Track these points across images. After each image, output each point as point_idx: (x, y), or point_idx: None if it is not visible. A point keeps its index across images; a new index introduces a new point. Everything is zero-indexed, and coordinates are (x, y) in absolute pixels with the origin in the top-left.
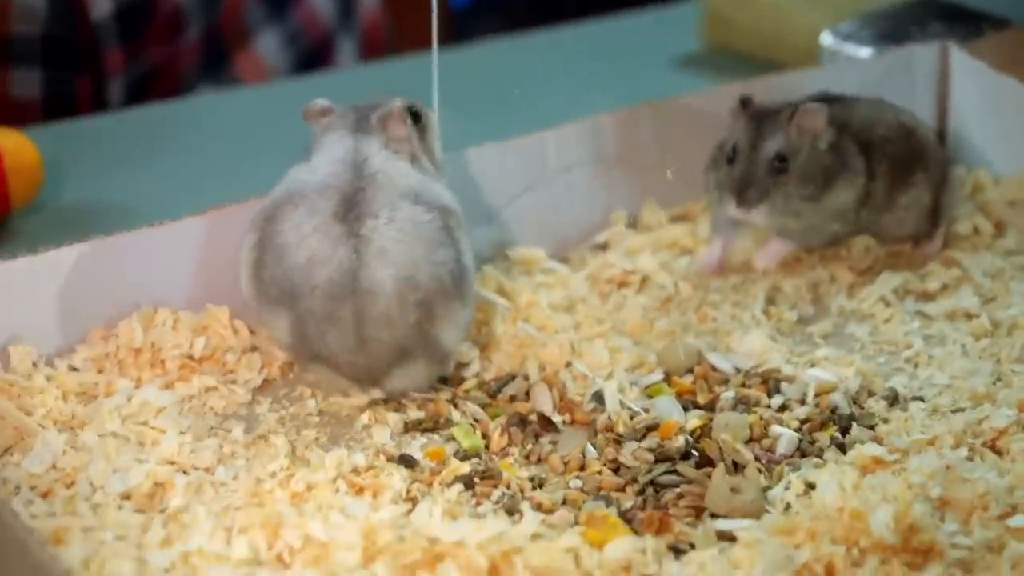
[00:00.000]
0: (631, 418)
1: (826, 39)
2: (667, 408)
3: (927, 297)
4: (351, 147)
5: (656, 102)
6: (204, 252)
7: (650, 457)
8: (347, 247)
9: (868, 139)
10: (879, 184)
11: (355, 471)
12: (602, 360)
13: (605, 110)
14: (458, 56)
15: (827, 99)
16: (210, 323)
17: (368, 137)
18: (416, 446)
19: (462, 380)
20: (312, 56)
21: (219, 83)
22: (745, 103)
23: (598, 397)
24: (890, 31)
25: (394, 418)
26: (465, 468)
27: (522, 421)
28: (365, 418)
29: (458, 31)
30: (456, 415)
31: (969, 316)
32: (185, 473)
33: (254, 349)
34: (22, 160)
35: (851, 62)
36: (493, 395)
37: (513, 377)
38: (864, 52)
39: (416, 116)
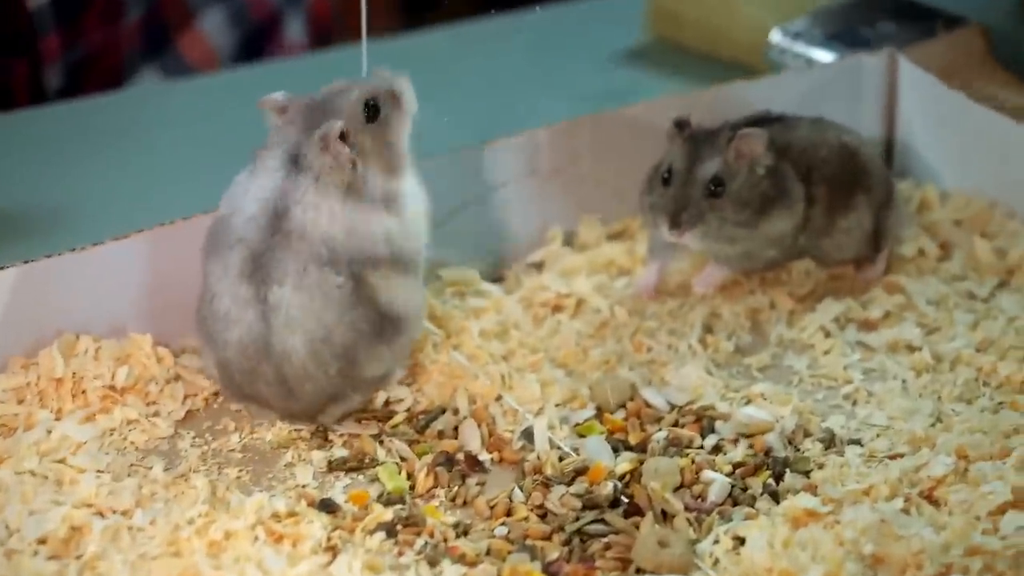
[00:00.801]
0: (560, 459)
1: (775, 36)
2: (597, 450)
3: (869, 326)
4: (278, 185)
5: (595, 115)
6: (128, 277)
7: (578, 504)
8: (255, 311)
9: (808, 162)
10: (818, 208)
11: (275, 516)
12: (534, 393)
13: (544, 111)
14: (395, 46)
15: (768, 119)
16: (133, 351)
17: (300, 172)
18: (339, 488)
19: (391, 414)
20: (258, 35)
21: (163, 66)
22: (681, 125)
23: (528, 435)
24: (841, 30)
25: (318, 456)
26: (388, 515)
27: (449, 460)
28: (288, 456)
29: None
30: (382, 453)
31: (911, 348)
32: (103, 516)
33: (178, 379)
34: None
35: (797, 71)
36: (421, 430)
37: (443, 411)
38: (814, 52)
39: (373, 110)
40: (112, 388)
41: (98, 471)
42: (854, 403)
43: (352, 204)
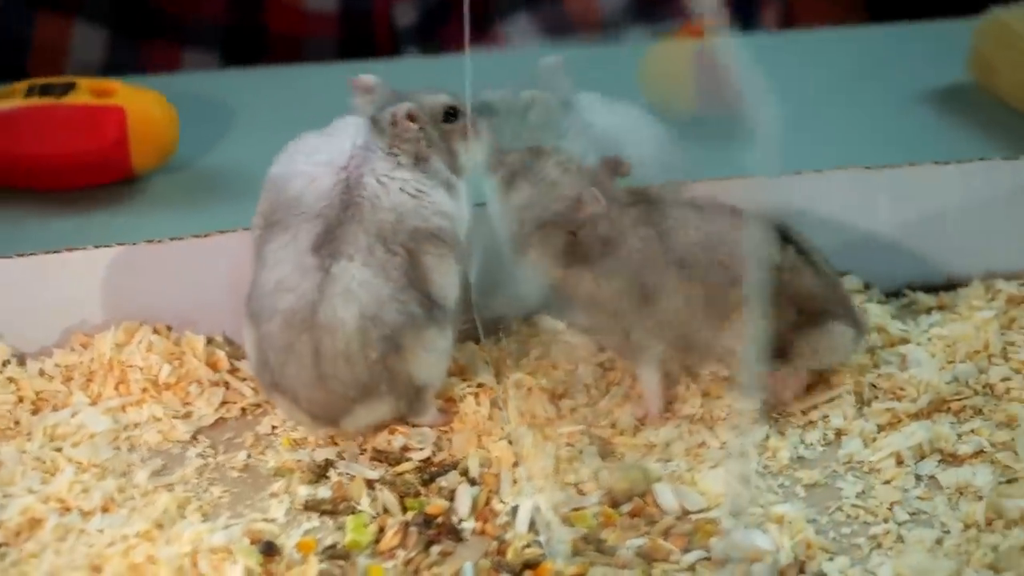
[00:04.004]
0: (524, 547)
1: None
2: (559, 545)
3: (953, 460)
4: (356, 153)
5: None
6: (223, 271)
7: None
8: (313, 280)
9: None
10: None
11: (211, 550)
12: (549, 467)
13: (841, 136)
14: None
15: None
16: (185, 350)
17: (376, 139)
18: (302, 530)
19: (405, 459)
20: None
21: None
22: None
23: (516, 511)
24: None
25: (304, 492)
26: (315, 570)
27: (427, 522)
28: (279, 485)
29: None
30: (366, 501)
31: (977, 497)
32: (65, 512)
33: (222, 384)
34: (148, 121)
35: None
36: (426, 483)
37: (455, 466)
38: None
39: (451, 115)
40: (154, 383)
41: (84, 468)
42: (877, 546)
43: (420, 176)
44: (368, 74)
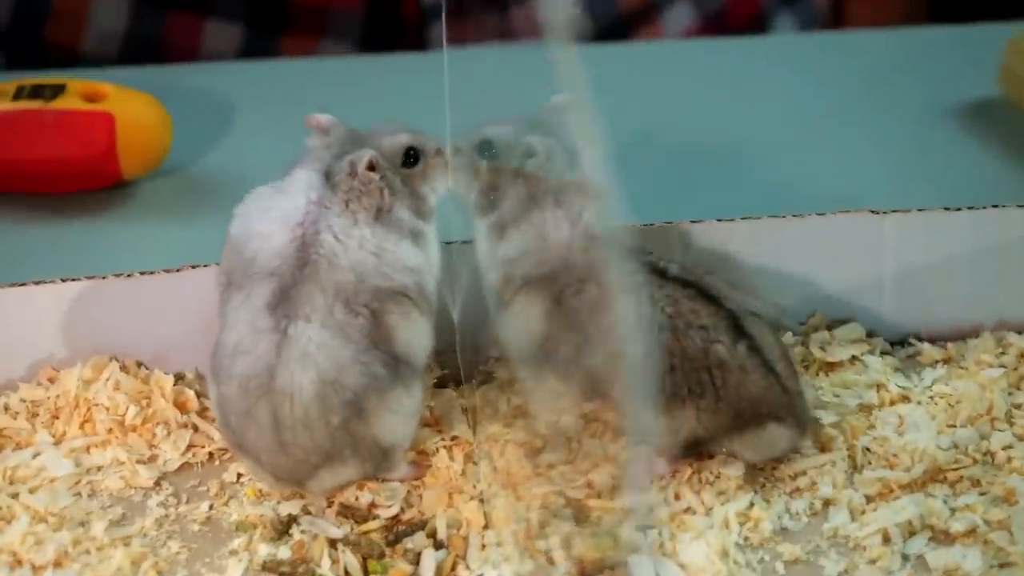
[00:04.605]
0: None
1: None
2: None
3: (944, 539)
4: (311, 210)
5: None
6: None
7: None
8: (269, 342)
9: None
10: None
11: None
12: (519, 532)
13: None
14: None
15: None
16: (153, 389)
17: (332, 195)
18: None
19: (372, 516)
20: None
21: None
22: None
23: None
24: None
25: (264, 551)
26: None
27: None
28: (239, 542)
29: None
30: (326, 563)
31: None
32: (16, 567)
33: (190, 427)
34: (138, 127)
35: None
36: (392, 543)
37: (423, 526)
38: None
39: (412, 157)
40: (120, 423)
41: (40, 516)
42: None
43: (381, 231)
44: (324, 114)
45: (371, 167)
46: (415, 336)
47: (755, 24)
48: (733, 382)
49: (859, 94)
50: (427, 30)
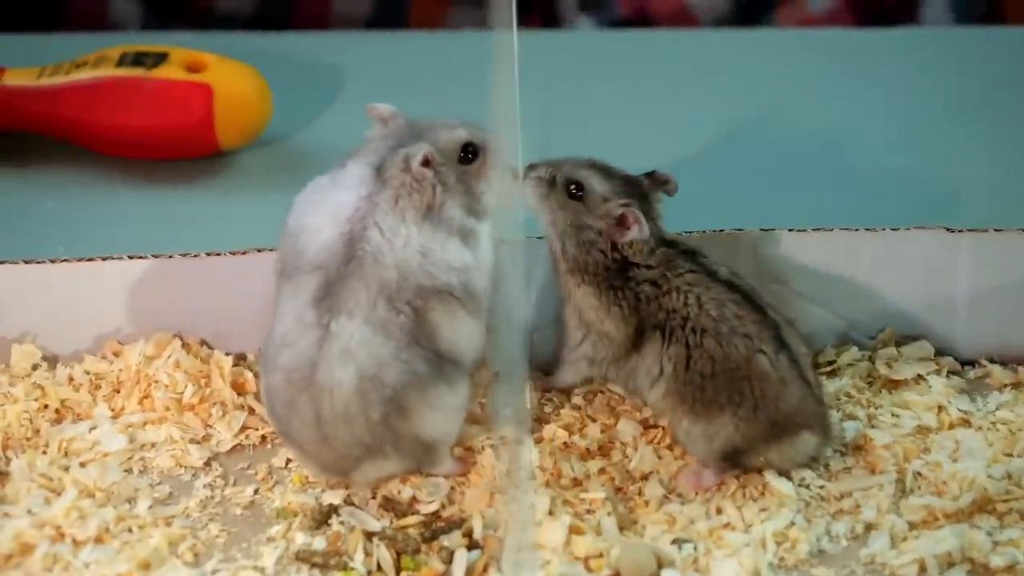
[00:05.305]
0: None
1: None
2: None
3: (986, 572)
4: (357, 204)
5: None
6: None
7: None
8: (312, 336)
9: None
10: None
11: None
12: (558, 539)
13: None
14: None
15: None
16: (213, 369)
17: (382, 190)
18: None
19: (412, 511)
20: None
21: None
22: None
23: None
24: None
25: (301, 539)
26: None
27: None
28: (278, 529)
29: None
30: (359, 557)
31: None
32: (58, 540)
33: (245, 408)
34: (236, 99)
35: None
36: (428, 540)
37: (460, 524)
38: None
39: (470, 153)
40: (177, 401)
41: (88, 491)
42: None
43: (429, 230)
44: (385, 103)
45: (426, 163)
46: (461, 334)
47: (905, 8)
48: (772, 393)
49: (992, 97)
50: (558, 6)
